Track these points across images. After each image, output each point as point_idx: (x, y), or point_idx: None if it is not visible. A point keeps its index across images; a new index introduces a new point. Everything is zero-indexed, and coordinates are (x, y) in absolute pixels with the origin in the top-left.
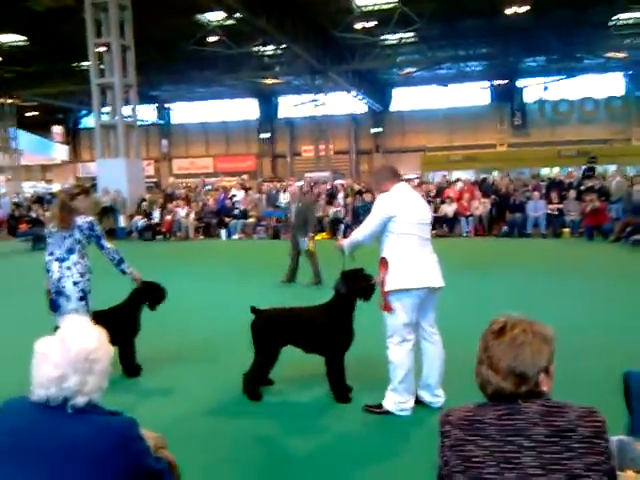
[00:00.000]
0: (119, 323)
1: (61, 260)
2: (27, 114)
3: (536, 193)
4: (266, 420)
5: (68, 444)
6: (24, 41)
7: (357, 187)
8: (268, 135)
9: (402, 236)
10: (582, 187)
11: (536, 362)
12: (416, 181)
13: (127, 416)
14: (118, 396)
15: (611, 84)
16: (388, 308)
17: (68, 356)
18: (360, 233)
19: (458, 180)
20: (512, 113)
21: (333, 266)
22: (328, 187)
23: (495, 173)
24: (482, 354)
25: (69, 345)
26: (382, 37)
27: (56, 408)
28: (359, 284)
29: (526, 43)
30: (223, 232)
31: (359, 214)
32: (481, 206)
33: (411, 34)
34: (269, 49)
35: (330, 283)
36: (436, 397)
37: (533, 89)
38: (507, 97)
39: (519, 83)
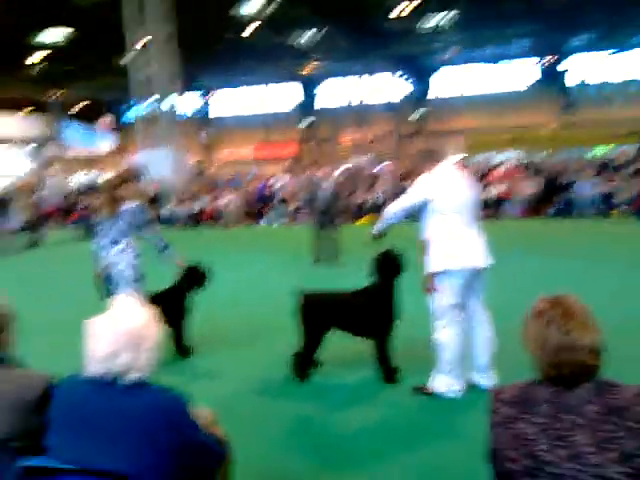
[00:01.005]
0: (171, 305)
1: (112, 245)
2: (76, 107)
3: (587, 172)
4: (313, 400)
5: (121, 418)
6: (72, 34)
7: (399, 172)
8: (309, 122)
9: (444, 216)
10: (633, 167)
11: (589, 337)
12: (460, 163)
13: (175, 392)
14: (170, 375)
15: None
16: (431, 290)
17: (119, 333)
18: (393, 209)
19: (502, 162)
20: (560, 93)
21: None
22: (368, 172)
23: (543, 154)
24: (535, 334)
25: (119, 322)
26: (422, 21)
27: (109, 385)
28: (391, 265)
29: (573, 20)
30: (264, 219)
31: None
32: (528, 187)
33: (450, 16)
34: (308, 36)
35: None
36: (487, 378)
37: (580, 68)
38: (554, 76)
39: (566, 63)
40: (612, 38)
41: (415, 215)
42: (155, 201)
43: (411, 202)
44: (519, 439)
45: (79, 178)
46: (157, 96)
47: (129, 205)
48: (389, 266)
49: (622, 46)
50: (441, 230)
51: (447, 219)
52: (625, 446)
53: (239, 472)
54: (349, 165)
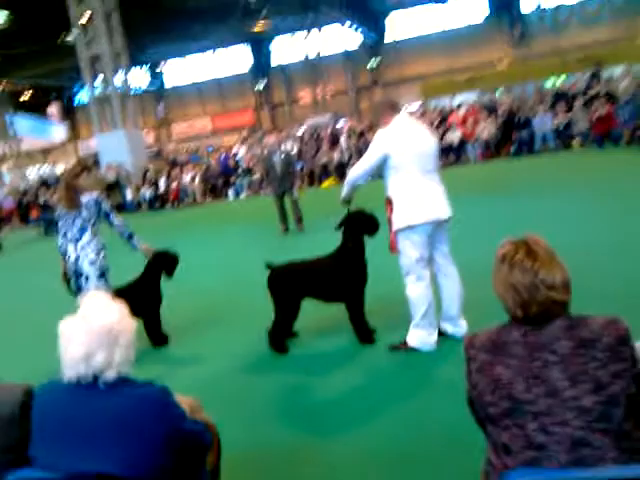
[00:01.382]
0: (141, 295)
1: (75, 241)
2: (21, 98)
3: (541, 107)
4: (295, 371)
5: (106, 419)
6: (8, 17)
7: (359, 127)
8: (263, 85)
9: (403, 171)
10: (588, 95)
11: (553, 274)
12: (419, 112)
13: (158, 385)
14: (149, 367)
15: None
16: (395, 249)
17: (91, 332)
18: (355, 172)
19: (460, 105)
20: (511, 25)
21: (332, 211)
22: (329, 131)
23: (499, 91)
24: (502, 277)
25: (91, 321)
26: None
27: (88, 386)
28: (364, 223)
29: None
30: (230, 192)
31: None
32: (486, 129)
33: None
34: None
35: (319, 228)
36: (459, 327)
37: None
38: (504, 9)
39: None
40: None
41: (380, 173)
42: (116, 187)
43: (371, 161)
44: (496, 383)
45: (35, 172)
46: (106, 74)
47: (88, 196)
48: (359, 227)
49: None
50: (402, 186)
51: (407, 173)
52: (598, 376)
53: (228, 453)
54: (308, 125)
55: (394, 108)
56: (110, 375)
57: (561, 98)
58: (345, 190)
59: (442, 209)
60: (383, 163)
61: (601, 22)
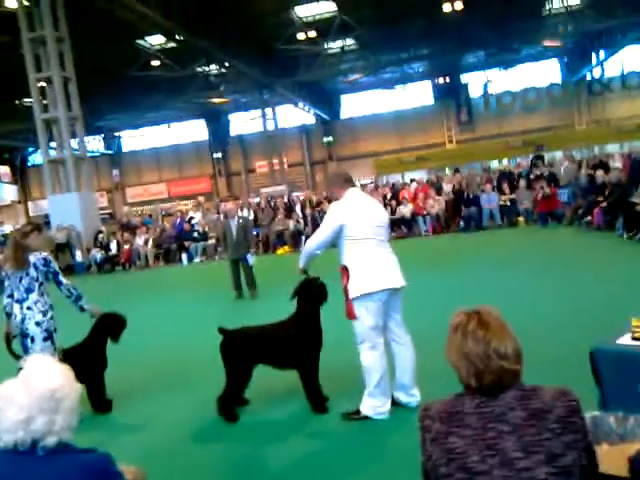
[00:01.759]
0: (86, 359)
1: (21, 301)
2: None
3: (488, 186)
4: (245, 440)
5: None
6: None
7: (315, 198)
8: (220, 154)
9: (358, 241)
10: (531, 176)
11: (504, 344)
12: (371, 186)
13: (102, 452)
14: (91, 433)
15: (550, 72)
16: (352, 315)
17: (33, 396)
18: (312, 243)
19: (413, 181)
20: (458, 110)
21: (286, 278)
22: (285, 200)
23: (447, 170)
24: (455, 347)
25: (33, 385)
26: (325, 46)
27: (26, 452)
28: (315, 291)
29: (464, 39)
30: (184, 257)
31: (319, 224)
32: (436, 204)
33: (352, 41)
34: (213, 68)
35: (273, 294)
36: (412, 396)
37: (475, 84)
38: (451, 94)
39: (462, 79)
40: (502, 54)
41: (333, 242)
42: (66, 248)
43: (327, 232)
44: (451, 453)
45: None
46: (62, 138)
47: (36, 257)
48: (311, 295)
49: (512, 61)
50: (356, 255)
51: (362, 243)
52: (550, 447)
53: None
54: (265, 194)
55: (348, 181)
56: (50, 441)
57: (506, 178)
58: (302, 260)
59: (396, 278)
60: (338, 233)
61: (541, 109)
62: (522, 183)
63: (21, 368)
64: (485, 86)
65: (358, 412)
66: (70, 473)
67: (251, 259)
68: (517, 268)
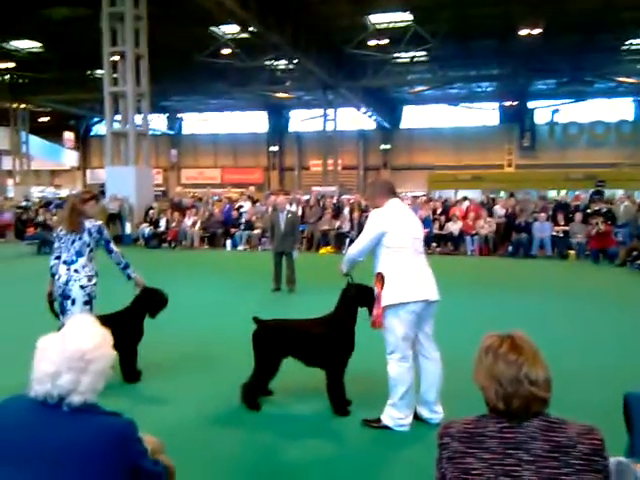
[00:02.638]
0: (123, 328)
1: (69, 263)
2: (39, 120)
3: (543, 214)
4: (263, 430)
5: (65, 443)
6: (39, 48)
7: (364, 203)
8: (277, 148)
9: (396, 250)
10: (589, 210)
11: (536, 370)
12: (423, 198)
13: (126, 417)
14: (117, 400)
15: (621, 109)
16: (379, 323)
17: (64, 353)
18: (354, 249)
19: (465, 198)
20: (521, 134)
21: (325, 277)
22: (334, 201)
23: (502, 194)
24: (485, 369)
25: (67, 343)
26: (394, 55)
27: (54, 406)
28: (366, 297)
29: (537, 66)
30: (228, 242)
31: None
32: (486, 225)
33: (423, 53)
34: (281, 63)
35: (310, 291)
36: (435, 413)
37: (543, 111)
38: (516, 118)
39: (529, 105)
40: (574, 85)
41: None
42: (117, 218)
43: (369, 238)
44: (467, 474)
45: (38, 192)
46: (127, 112)
47: (91, 223)
48: (358, 299)
49: (583, 94)
50: (393, 264)
51: (400, 252)
52: None
53: None
54: (316, 192)
55: (391, 191)
56: (75, 399)
57: (562, 209)
58: (345, 265)
59: (432, 291)
60: (378, 241)
61: (608, 145)
62: (578, 216)
63: (61, 327)
64: (553, 114)
65: (379, 420)
66: (92, 432)
67: (295, 254)
68: (560, 301)
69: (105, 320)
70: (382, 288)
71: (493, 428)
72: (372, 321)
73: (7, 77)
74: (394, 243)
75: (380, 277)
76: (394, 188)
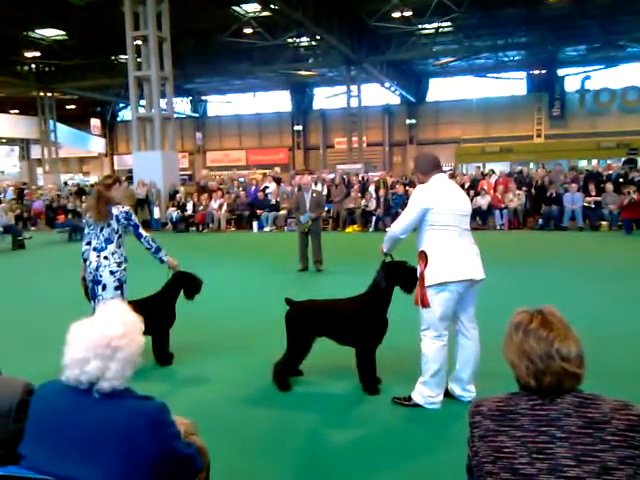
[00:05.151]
0: (155, 312)
1: (99, 250)
2: (66, 107)
3: (574, 185)
4: (294, 410)
5: (98, 428)
6: (63, 35)
7: (390, 180)
8: (301, 127)
9: (441, 228)
10: (621, 179)
11: (568, 346)
12: (449, 173)
13: (158, 401)
14: (148, 383)
15: None
16: (426, 302)
17: (91, 340)
18: (397, 227)
19: (492, 172)
20: (550, 103)
21: (352, 256)
22: (360, 179)
23: (531, 165)
24: (515, 345)
25: (95, 330)
26: (419, 26)
27: (85, 392)
28: (403, 276)
29: (566, 32)
30: (255, 224)
31: (391, 207)
32: (515, 198)
33: (448, 23)
34: (304, 40)
35: (337, 271)
36: (467, 392)
37: (573, 79)
38: (545, 87)
39: (559, 73)
40: (605, 50)
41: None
42: (145, 203)
43: (412, 215)
44: (499, 452)
45: (68, 179)
46: (152, 97)
47: (118, 210)
48: (395, 277)
49: (614, 59)
50: (437, 242)
51: (444, 230)
52: (604, 460)
53: None
54: (341, 171)
55: (437, 166)
56: (104, 386)
57: (594, 179)
58: (386, 244)
59: (477, 270)
60: (422, 217)
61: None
62: (610, 186)
63: (94, 311)
64: (583, 81)
65: (409, 398)
66: (124, 417)
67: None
68: (592, 274)
69: (137, 305)
70: (425, 267)
71: (525, 405)
72: (415, 299)
73: (33, 66)
74: (438, 220)
75: (423, 255)
76: (439, 162)
